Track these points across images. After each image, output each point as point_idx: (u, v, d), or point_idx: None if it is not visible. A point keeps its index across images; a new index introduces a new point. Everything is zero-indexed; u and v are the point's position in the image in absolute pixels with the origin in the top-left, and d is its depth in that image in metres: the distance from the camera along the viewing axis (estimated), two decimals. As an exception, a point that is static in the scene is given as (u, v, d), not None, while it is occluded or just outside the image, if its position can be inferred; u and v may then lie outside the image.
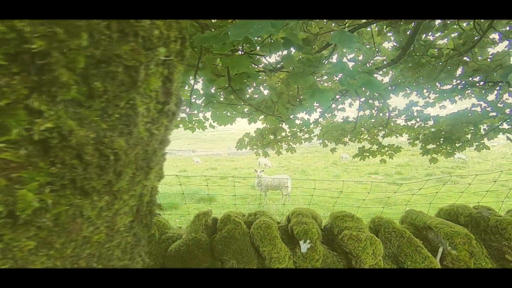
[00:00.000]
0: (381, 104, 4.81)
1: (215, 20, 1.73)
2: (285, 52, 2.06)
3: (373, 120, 5.02)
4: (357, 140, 5.33)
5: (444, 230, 1.90)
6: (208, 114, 3.62)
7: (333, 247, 2.03)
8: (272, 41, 1.90)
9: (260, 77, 3.70)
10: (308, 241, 1.87)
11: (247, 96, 3.41)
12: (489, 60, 4.14)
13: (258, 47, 2.00)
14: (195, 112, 3.46)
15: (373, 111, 5.05)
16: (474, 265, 1.87)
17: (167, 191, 10.13)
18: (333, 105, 4.83)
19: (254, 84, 3.51)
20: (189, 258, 1.85)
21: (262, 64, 2.66)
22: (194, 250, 1.89)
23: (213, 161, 23.99)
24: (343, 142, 5.30)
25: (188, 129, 3.91)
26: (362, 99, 4.79)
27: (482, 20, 3.98)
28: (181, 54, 0.38)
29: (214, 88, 3.24)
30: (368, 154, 4.94)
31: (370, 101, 4.86)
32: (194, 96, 2.88)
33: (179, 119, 3.79)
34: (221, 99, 3.43)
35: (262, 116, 3.89)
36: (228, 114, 3.47)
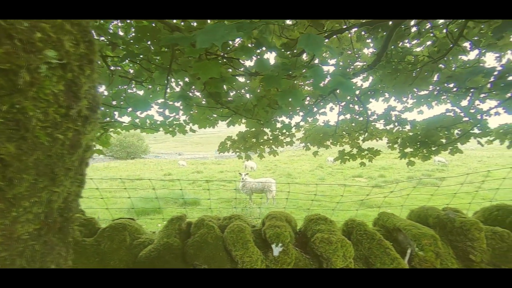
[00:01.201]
0: (361, 109, 4.91)
1: (183, 22, 1.73)
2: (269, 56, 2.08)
3: (353, 124, 5.12)
4: (338, 143, 5.42)
5: (412, 232, 1.96)
6: (189, 118, 3.60)
7: (306, 250, 2.05)
8: (252, 44, 1.92)
9: (243, 80, 3.71)
10: (280, 244, 1.88)
11: (229, 99, 3.41)
12: (462, 67, 4.32)
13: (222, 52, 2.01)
14: (174, 115, 3.42)
15: (354, 115, 5.15)
16: (440, 266, 1.93)
17: (150, 195, 9.95)
18: (315, 109, 4.89)
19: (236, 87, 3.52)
20: (160, 264, 1.82)
21: (243, 68, 2.68)
22: (165, 255, 1.86)
23: (199, 164, 23.78)
24: (325, 145, 5.37)
25: (168, 133, 3.87)
26: (343, 104, 4.88)
27: (455, 30, 4.15)
28: (86, 58, 0.38)
29: (196, 90, 3.23)
30: (348, 157, 5.03)
31: (351, 105, 4.96)
32: (172, 99, 2.85)
33: (158, 122, 3.75)
34: (203, 102, 3.43)
35: (245, 120, 3.90)
36: (208, 117, 3.46)
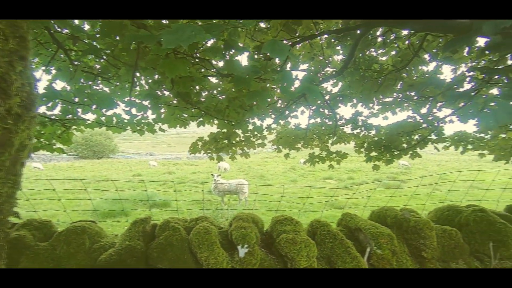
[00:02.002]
0: (330, 113, 5.09)
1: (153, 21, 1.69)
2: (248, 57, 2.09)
3: (323, 128, 5.28)
4: (309, 146, 5.56)
5: (371, 231, 2.06)
6: (161, 117, 3.51)
7: (271, 250, 2.08)
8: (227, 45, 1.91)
9: (216, 81, 3.69)
10: (246, 245, 1.89)
11: (202, 99, 3.38)
12: (422, 77, 4.64)
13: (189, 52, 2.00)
14: (142, 114, 3.32)
15: (324, 119, 5.31)
16: (396, 263, 2.05)
17: (117, 196, 9.53)
18: (287, 112, 4.98)
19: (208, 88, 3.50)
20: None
21: (214, 69, 2.66)
22: (127, 258, 1.80)
23: (171, 165, 23.19)
24: (296, 148, 5.48)
25: (136, 132, 3.74)
26: (313, 108, 5.02)
27: (416, 42, 4.44)
28: (17, 54, 0.36)
29: (165, 89, 3.16)
30: (318, 160, 5.18)
31: (321, 109, 5.12)
32: (140, 97, 2.77)
33: (125, 121, 3.61)
34: (175, 101, 3.36)
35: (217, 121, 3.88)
36: (178, 117, 3.40)
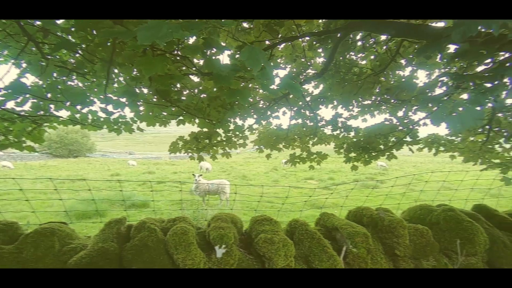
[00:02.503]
0: (311, 114, 5.17)
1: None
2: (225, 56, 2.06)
3: (304, 129, 5.35)
4: (290, 147, 5.61)
5: (347, 230, 2.11)
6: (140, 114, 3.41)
7: (250, 250, 2.08)
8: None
9: (198, 80, 3.64)
10: (223, 246, 1.88)
11: (182, 98, 3.32)
12: (399, 81, 4.82)
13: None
14: (119, 111, 3.21)
15: (305, 120, 5.39)
16: (371, 261, 2.11)
17: (93, 196, 9.20)
18: (268, 112, 5.00)
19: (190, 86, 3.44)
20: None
21: (195, 68, 2.62)
22: (99, 261, 1.73)
23: (151, 164, 22.67)
24: (277, 148, 5.51)
25: (112, 130, 3.62)
26: (295, 109, 5.08)
27: (394, 47, 4.60)
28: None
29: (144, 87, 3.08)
30: (299, 161, 5.24)
31: (302, 110, 5.18)
32: (117, 94, 2.67)
33: (102, 119, 3.49)
34: (154, 99, 3.27)
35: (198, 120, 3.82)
36: (158, 115, 3.32)
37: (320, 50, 4.86)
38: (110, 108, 3.18)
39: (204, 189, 8.31)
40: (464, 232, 2.26)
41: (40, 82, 3.38)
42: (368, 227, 2.32)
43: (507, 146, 4.45)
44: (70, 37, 2.64)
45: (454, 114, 1.58)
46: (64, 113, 3.58)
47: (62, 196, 9.36)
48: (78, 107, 3.31)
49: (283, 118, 5.49)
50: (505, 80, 1.86)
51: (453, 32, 1.34)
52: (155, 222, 2.09)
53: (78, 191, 9.69)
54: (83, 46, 2.30)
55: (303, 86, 5.14)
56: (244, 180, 14.12)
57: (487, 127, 3.75)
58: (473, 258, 2.27)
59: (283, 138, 5.22)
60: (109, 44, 1.85)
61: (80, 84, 3.77)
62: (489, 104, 3.71)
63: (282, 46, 4.93)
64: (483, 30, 1.72)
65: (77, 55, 2.89)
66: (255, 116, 4.85)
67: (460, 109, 1.63)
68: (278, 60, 5.07)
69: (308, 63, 5.14)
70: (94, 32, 1.99)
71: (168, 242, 1.88)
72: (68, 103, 3.08)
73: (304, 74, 5.28)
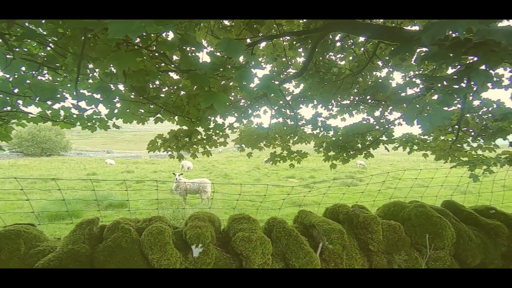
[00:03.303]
0: (292, 113, 5.22)
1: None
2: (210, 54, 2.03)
3: (285, 128, 5.39)
4: (271, 145, 5.64)
5: (324, 227, 2.15)
6: (114, 111, 3.29)
7: (228, 249, 2.07)
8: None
9: (178, 77, 3.57)
10: (200, 245, 1.86)
11: (161, 95, 3.24)
12: (375, 82, 4.97)
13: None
14: (93, 108, 3.09)
15: (285, 119, 5.43)
16: (346, 257, 2.16)
17: (68, 196, 8.83)
18: (249, 111, 5.00)
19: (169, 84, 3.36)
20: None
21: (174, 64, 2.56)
22: (69, 264, 1.66)
23: (130, 163, 22.03)
24: (258, 147, 5.53)
25: (86, 128, 3.48)
26: (276, 108, 5.11)
27: (371, 49, 4.73)
28: None
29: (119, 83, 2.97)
30: (279, 159, 5.28)
31: (283, 109, 5.23)
32: (90, 90, 2.57)
33: (75, 116, 3.34)
34: (132, 95, 3.17)
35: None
36: (135, 112, 3.23)
37: (300, 50, 4.92)
38: (83, 104, 3.06)
39: (185, 188, 8.20)
40: (433, 227, 2.37)
41: (7, 76, 3.19)
42: (344, 224, 2.38)
43: (474, 145, 4.70)
44: (40, 29, 2.51)
45: (424, 114, 1.64)
46: (34, 110, 3.41)
47: (34, 197, 8.89)
48: (49, 103, 3.16)
49: (264, 117, 5.52)
50: (471, 82, 1.96)
51: (423, 35, 1.40)
52: (130, 222, 2.03)
53: (51, 191, 9.27)
54: (55, 39, 2.19)
55: (284, 85, 5.19)
56: (226, 178, 14.06)
57: (456, 127, 3.95)
58: (441, 252, 2.38)
59: (264, 136, 5.24)
60: (80, 36, 1.77)
61: (52, 79, 3.60)
62: (458, 105, 3.92)
63: (263, 44, 4.94)
64: (451, 33, 1.81)
65: (48, 48, 2.75)
66: (236, 115, 4.83)
67: (429, 109, 1.70)
68: (260, 59, 5.07)
69: (289, 63, 5.18)
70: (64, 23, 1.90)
71: (143, 242, 1.83)
72: (37, 99, 2.93)
73: (285, 73, 5.32)
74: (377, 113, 5.32)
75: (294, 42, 4.49)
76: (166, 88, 3.47)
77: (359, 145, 5.01)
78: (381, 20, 4.13)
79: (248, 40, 4.05)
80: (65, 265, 1.64)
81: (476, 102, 3.97)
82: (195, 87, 3.54)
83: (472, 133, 4.48)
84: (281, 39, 4.64)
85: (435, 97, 3.65)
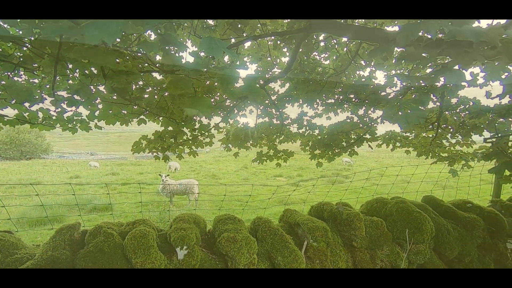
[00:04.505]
0: (277, 113, 5.25)
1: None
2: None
3: (271, 127, 5.43)
4: (258, 145, 5.66)
5: (308, 225, 2.18)
6: (96, 113, 3.22)
7: (213, 250, 2.07)
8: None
9: (162, 77, 3.52)
10: (185, 247, 1.85)
11: (145, 96, 3.19)
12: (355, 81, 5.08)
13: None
14: (74, 109, 3.01)
15: (271, 118, 5.46)
16: (330, 254, 2.20)
17: (50, 201, 8.54)
18: (235, 111, 4.99)
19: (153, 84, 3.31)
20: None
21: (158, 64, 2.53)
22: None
23: (115, 165, 21.55)
24: (245, 146, 5.53)
25: (67, 129, 3.39)
26: (261, 107, 5.13)
27: (353, 49, 4.82)
28: None
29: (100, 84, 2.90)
30: (266, 158, 5.31)
31: (268, 109, 5.25)
32: (69, 91, 2.49)
33: (54, 117, 3.24)
34: (114, 97, 3.10)
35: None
36: (117, 113, 3.16)
37: (285, 50, 4.95)
38: (64, 106, 2.98)
39: (172, 189, 8.10)
40: (413, 222, 2.45)
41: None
42: (328, 222, 2.42)
43: (453, 141, 4.88)
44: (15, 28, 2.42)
45: (401, 113, 1.69)
46: (11, 112, 3.28)
47: (13, 202, 8.56)
48: (27, 104, 3.06)
49: (250, 117, 5.52)
50: (446, 82, 2.04)
51: (397, 36, 1.44)
52: (113, 226, 1.99)
53: (31, 196, 8.95)
54: (31, 38, 2.12)
55: (269, 85, 5.21)
56: (214, 179, 13.98)
57: (435, 124, 4.08)
58: (421, 246, 2.47)
59: (251, 136, 5.26)
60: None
61: (33, 80, 3.49)
62: (437, 103, 4.06)
63: (248, 44, 4.94)
64: (426, 34, 1.87)
65: (24, 48, 2.65)
66: (221, 115, 4.82)
67: (406, 108, 1.76)
68: (245, 59, 5.08)
69: (274, 62, 5.21)
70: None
71: (126, 246, 1.80)
72: (13, 101, 2.82)
73: (270, 72, 5.35)
74: (361, 112, 5.43)
75: (279, 42, 4.53)
76: (150, 89, 3.42)
77: (344, 143, 5.10)
78: (363, 20, 4.23)
79: (233, 40, 4.04)
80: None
81: (454, 100, 4.12)
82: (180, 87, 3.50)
83: (451, 130, 4.65)
84: (266, 39, 4.65)
85: (414, 96, 3.77)
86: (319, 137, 5.35)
